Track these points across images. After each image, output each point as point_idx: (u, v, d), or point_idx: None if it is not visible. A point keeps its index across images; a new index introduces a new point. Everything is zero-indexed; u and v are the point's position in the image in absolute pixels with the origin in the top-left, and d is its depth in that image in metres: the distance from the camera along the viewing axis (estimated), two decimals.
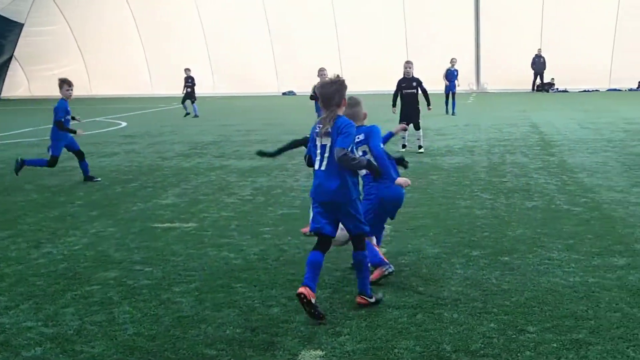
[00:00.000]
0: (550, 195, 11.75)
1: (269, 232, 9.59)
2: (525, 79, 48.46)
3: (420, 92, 18.74)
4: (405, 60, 19.49)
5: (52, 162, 14.40)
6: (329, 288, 7.15)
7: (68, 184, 14.26)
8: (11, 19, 53.08)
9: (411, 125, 18.01)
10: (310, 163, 6.79)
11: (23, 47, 55.70)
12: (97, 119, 32.39)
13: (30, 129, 27.82)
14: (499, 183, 13.08)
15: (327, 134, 6.42)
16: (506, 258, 8.09)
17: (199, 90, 33.69)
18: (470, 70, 50.19)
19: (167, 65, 52.63)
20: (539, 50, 47.62)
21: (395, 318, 6.25)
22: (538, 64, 47.94)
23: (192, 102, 33.10)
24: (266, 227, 9.90)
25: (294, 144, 9.23)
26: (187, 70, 34.80)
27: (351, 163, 6.30)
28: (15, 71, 57.21)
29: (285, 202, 11.86)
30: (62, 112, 14.07)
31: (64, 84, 14.30)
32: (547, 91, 47.71)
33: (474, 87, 50.44)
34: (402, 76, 18.83)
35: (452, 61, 32.57)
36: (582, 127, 23.19)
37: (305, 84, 29.22)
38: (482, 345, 5.61)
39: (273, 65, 52.74)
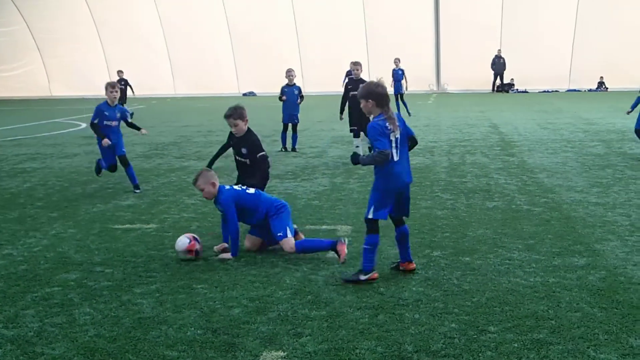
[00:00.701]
0: (510, 196, 11.86)
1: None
2: (485, 80, 48.88)
3: None
4: (352, 61, 17.46)
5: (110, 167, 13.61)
6: (290, 289, 7.15)
7: (27, 185, 14.10)
8: None
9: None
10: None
11: None
12: (57, 120, 32.05)
13: None
14: (460, 183, 13.18)
15: (397, 128, 7.24)
16: (467, 258, 8.16)
17: (161, 92, 33.48)
18: (430, 71, 50.54)
19: (127, 66, 52.25)
20: (499, 50, 48.07)
21: (357, 319, 6.27)
22: (498, 65, 48.38)
23: (122, 104, 32.14)
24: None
25: (222, 150, 10.16)
26: (119, 72, 34.22)
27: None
28: None
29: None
30: (95, 115, 13.21)
31: (108, 86, 13.50)
32: (507, 92, 48.15)
33: (434, 88, 50.76)
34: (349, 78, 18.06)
35: (396, 61, 31.89)
36: (542, 128, 23.44)
37: (266, 85, 29.24)
38: (444, 346, 5.66)
39: (234, 66, 52.57)
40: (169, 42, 52.87)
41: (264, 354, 5.56)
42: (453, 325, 6.09)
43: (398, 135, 7.26)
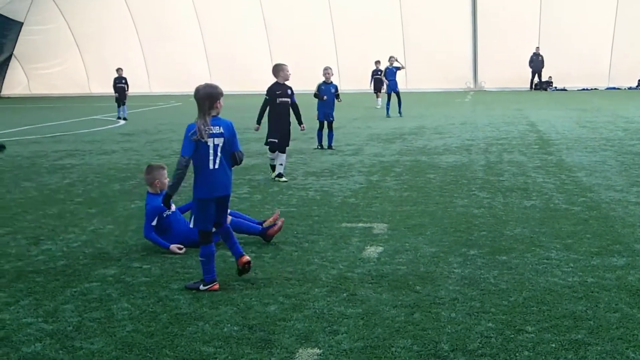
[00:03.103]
0: (548, 195, 11.76)
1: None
2: (523, 78, 48.39)
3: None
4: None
5: None
6: (326, 287, 7.16)
7: (66, 181, 14.26)
8: (11, 17, 53.09)
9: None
10: None
11: (22, 45, 55.70)
12: (95, 117, 32.39)
13: (29, 126, 27.83)
14: (497, 182, 13.09)
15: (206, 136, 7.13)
16: (504, 257, 8.11)
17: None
18: (467, 69, 50.22)
19: (165, 65, 52.74)
20: (537, 48, 47.58)
21: (393, 317, 6.27)
22: (536, 62, 47.90)
23: (123, 104, 31.30)
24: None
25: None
26: (119, 70, 32.95)
27: None
28: (14, 69, 57.20)
29: (282, 200, 11.88)
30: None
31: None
32: (545, 90, 47.66)
33: (471, 86, 50.42)
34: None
35: (391, 59, 30.71)
36: (580, 126, 23.21)
37: (303, 82, 29.28)
38: (480, 345, 5.63)
39: (270, 63, 52.60)
40: (206, 40, 53.16)
41: (300, 350, 5.57)
42: (490, 324, 6.06)
43: (219, 143, 7.10)
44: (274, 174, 14.01)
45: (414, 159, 16.37)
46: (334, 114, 19.17)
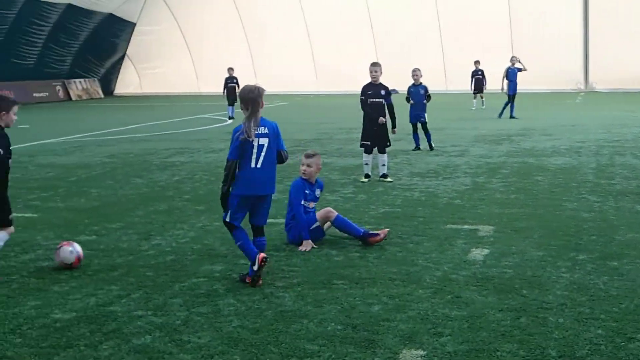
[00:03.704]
0: None
1: (370, 230, 9.57)
2: (637, 78, 46.76)
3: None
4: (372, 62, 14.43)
5: None
6: (430, 288, 7.12)
7: (175, 178, 14.61)
8: (124, 18, 54.80)
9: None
10: None
11: (135, 45, 57.46)
12: (204, 115, 33.03)
13: (140, 124, 28.63)
14: (608, 185, 12.75)
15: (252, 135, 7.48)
16: (615, 263, 7.88)
17: (303, 89, 33.87)
18: (578, 69, 49.03)
19: (271, 64, 53.42)
20: None
21: (498, 320, 6.18)
22: None
23: (234, 103, 30.95)
24: (367, 225, 9.90)
25: None
26: (230, 69, 32.82)
27: None
28: (127, 69, 59.09)
29: (387, 200, 11.86)
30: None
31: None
32: None
33: (582, 87, 49.21)
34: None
35: (513, 60, 29.64)
36: None
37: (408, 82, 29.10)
38: (589, 352, 5.49)
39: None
40: (312, 40, 53.59)
41: (404, 352, 5.55)
42: (599, 331, 5.90)
43: (264, 143, 7.41)
44: (364, 180, 13.69)
45: (522, 161, 16.09)
46: (425, 114, 18.85)
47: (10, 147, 7.62)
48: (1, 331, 6.11)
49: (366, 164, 13.82)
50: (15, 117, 7.72)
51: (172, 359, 5.48)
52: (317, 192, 9.45)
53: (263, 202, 7.66)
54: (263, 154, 7.43)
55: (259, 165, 7.43)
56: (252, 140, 7.33)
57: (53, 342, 5.83)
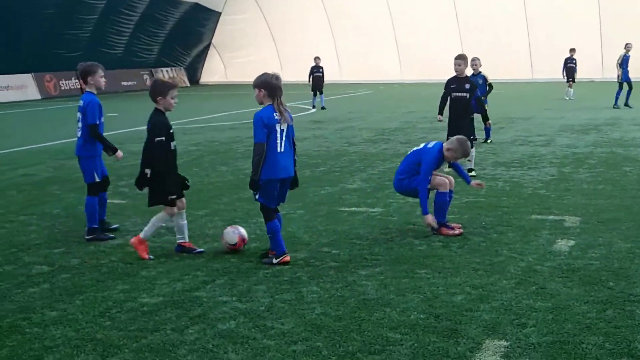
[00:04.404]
0: None
1: (453, 220, 9.53)
2: None
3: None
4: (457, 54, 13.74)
5: None
6: (514, 279, 7.06)
7: None
8: (209, 8, 55.54)
9: None
10: None
11: (220, 35, 58.18)
12: (288, 104, 33.18)
13: (226, 113, 29.01)
14: None
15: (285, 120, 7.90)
16: None
17: (388, 78, 33.78)
18: None
19: (354, 54, 53.42)
20: None
21: (583, 312, 6.09)
22: None
23: (320, 93, 30.98)
24: (450, 214, 9.84)
25: None
26: (316, 59, 32.17)
27: None
28: (212, 58, 59.94)
29: (470, 190, 11.74)
30: None
31: None
32: None
33: None
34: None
35: (627, 47, 28.27)
36: None
37: (494, 72, 28.68)
38: None
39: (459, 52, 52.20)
40: (397, 31, 53.40)
41: (487, 342, 5.53)
42: None
43: (285, 127, 7.72)
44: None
45: (609, 151, 15.76)
46: (485, 106, 18.29)
47: (172, 130, 8.01)
48: (91, 314, 6.32)
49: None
50: (173, 101, 8.03)
51: (256, 344, 5.57)
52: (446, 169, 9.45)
53: (287, 185, 7.98)
54: (284, 139, 7.74)
55: (282, 150, 7.72)
56: (280, 125, 7.70)
57: (141, 326, 6.00)
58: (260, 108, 7.85)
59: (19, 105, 38.01)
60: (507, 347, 5.44)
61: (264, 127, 7.62)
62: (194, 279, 7.28)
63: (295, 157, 7.99)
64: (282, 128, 7.72)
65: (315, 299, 6.59)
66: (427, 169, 8.96)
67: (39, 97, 42.94)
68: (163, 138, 7.90)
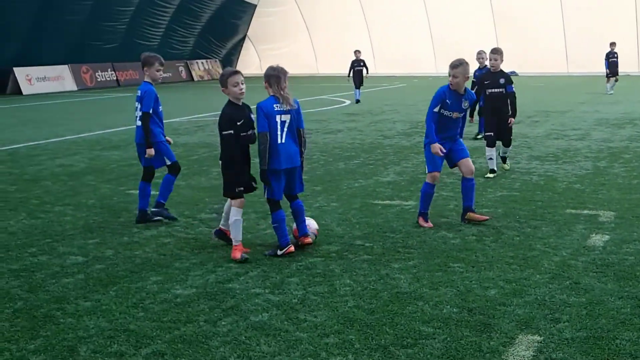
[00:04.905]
0: None
1: (487, 213, 9.49)
2: None
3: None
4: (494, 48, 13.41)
5: None
6: (548, 273, 7.02)
7: None
8: (246, 0, 55.64)
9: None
10: None
11: (255, 27, 58.30)
12: (322, 96, 33.25)
13: None
14: None
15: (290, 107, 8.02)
16: None
17: (422, 70, 33.55)
18: None
19: (390, 46, 53.30)
20: None
21: (618, 308, 6.05)
22: None
23: (359, 87, 30.60)
24: (484, 208, 9.83)
25: None
26: (357, 52, 31.61)
27: None
28: (248, 50, 60.13)
29: (504, 184, 11.72)
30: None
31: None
32: None
33: None
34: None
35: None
36: None
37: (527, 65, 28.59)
38: None
39: (493, 45, 51.94)
40: (431, 21, 53.17)
41: (520, 337, 5.51)
42: None
43: (287, 119, 7.81)
44: (489, 175, 12.38)
45: None
46: None
47: (241, 122, 7.94)
48: (125, 305, 6.39)
49: (490, 158, 12.59)
50: (237, 89, 8.06)
51: (288, 336, 5.60)
52: (465, 103, 9.21)
53: (294, 174, 8.06)
54: (285, 129, 7.80)
55: (283, 141, 7.80)
56: (281, 117, 7.80)
57: (174, 317, 6.06)
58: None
59: (56, 96, 38.44)
60: (541, 342, 5.42)
61: (265, 116, 7.75)
62: (227, 271, 7.33)
63: (302, 149, 8.04)
64: (283, 119, 7.80)
65: (348, 292, 6.61)
66: (431, 104, 9.07)
67: (75, 88, 43.43)
68: (231, 131, 7.86)
